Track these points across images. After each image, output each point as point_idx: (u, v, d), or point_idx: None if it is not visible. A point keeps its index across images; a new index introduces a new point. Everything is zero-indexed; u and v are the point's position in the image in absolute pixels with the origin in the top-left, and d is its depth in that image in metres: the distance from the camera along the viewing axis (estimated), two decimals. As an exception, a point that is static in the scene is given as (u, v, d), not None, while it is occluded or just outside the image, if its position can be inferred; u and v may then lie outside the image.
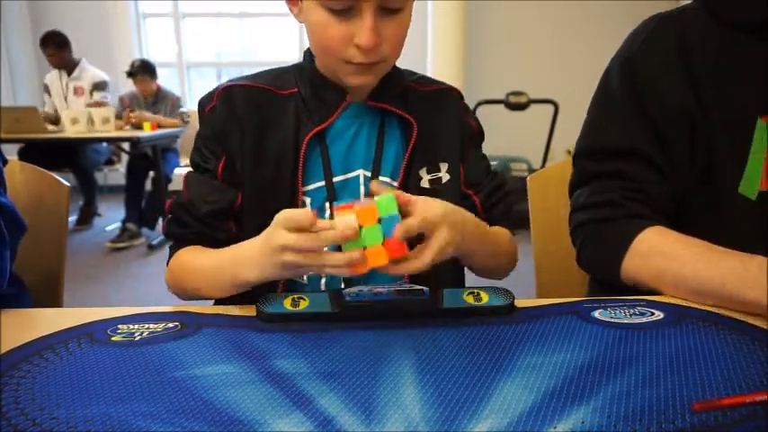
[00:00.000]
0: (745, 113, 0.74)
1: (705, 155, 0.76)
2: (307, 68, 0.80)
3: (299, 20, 0.75)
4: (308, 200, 0.78)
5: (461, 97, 0.89)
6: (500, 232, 0.85)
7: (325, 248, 0.58)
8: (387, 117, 0.82)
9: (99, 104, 3.77)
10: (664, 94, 0.75)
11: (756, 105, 0.74)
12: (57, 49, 3.84)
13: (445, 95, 0.87)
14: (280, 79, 0.81)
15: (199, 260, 0.76)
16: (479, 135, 0.89)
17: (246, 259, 0.66)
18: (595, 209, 0.79)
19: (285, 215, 0.59)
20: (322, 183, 0.78)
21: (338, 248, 0.59)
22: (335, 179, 0.79)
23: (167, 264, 0.80)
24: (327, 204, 0.78)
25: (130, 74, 3.86)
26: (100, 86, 4.02)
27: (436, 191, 0.81)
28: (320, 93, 0.79)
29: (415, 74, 0.88)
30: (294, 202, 0.77)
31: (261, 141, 0.77)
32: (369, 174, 0.80)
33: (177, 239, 0.80)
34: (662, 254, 0.71)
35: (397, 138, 0.82)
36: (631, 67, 0.77)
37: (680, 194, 0.78)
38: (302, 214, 0.58)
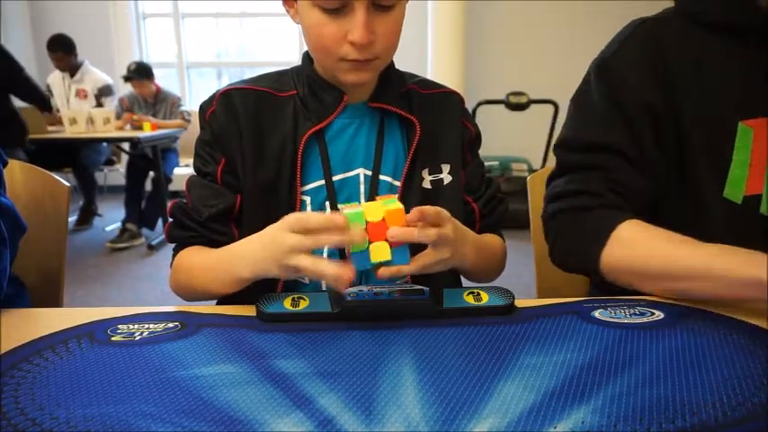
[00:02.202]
0: (723, 117, 0.73)
1: (678, 159, 0.75)
2: (305, 70, 0.81)
3: (296, 21, 0.76)
4: (307, 199, 0.78)
5: (462, 101, 0.89)
6: (493, 241, 0.87)
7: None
8: (387, 117, 0.82)
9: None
10: (632, 93, 0.75)
11: (736, 109, 0.73)
12: (65, 53, 3.86)
13: (447, 98, 0.87)
14: (279, 82, 0.82)
15: (199, 259, 0.76)
16: (478, 140, 0.90)
17: (243, 256, 0.68)
18: (571, 197, 0.77)
19: (294, 217, 0.61)
20: (321, 182, 0.78)
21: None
22: (335, 178, 0.79)
23: (171, 266, 0.81)
24: (327, 203, 0.78)
25: (127, 78, 3.87)
26: (106, 91, 4.03)
27: (437, 192, 0.82)
28: (318, 93, 0.79)
29: (415, 76, 0.88)
30: (293, 202, 0.77)
31: (260, 143, 0.78)
32: (369, 173, 0.80)
33: (179, 243, 0.81)
34: (646, 240, 0.69)
35: (397, 138, 0.82)
36: (605, 68, 0.78)
37: (655, 194, 0.78)
38: (311, 216, 0.60)
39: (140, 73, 3.86)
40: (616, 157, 0.76)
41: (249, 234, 0.70)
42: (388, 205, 0.60)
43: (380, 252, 0.60)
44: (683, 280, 0.65)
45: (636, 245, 0.69)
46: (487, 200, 0.88)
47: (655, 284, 0.69)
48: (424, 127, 0.81)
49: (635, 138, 0.76)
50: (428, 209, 0.62)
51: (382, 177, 0.80)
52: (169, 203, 0.81)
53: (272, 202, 0.77)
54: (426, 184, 0.81)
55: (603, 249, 0.71)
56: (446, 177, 0.83)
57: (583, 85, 0.82)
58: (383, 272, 0.62)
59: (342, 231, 0.58)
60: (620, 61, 0.77)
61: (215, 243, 0.77)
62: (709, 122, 0.74)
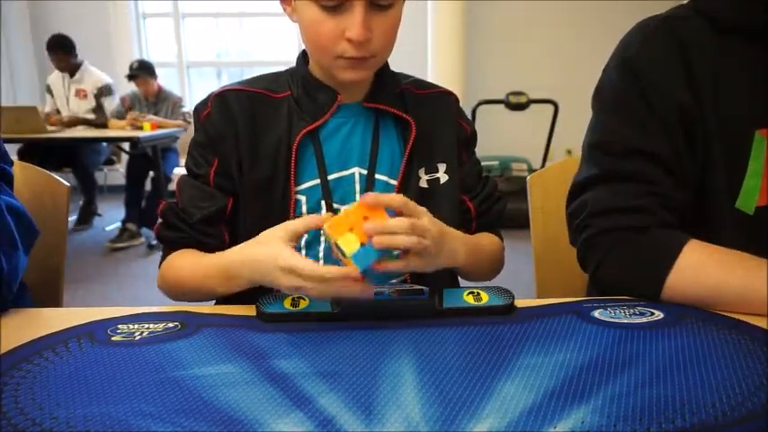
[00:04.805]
0: (740, 125, 0.71)
1: (701, 166, 0.73)
2: (299, 71, 0.81)
3: (293, 19, 0.76)
4: (302, 198, 0.78)
5: (457, 100, 0.89)
6: (488, 240, 0.87)
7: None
8: (382, 117, 0.82)
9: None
10: (664, 95, 0.72)
11: (753, 118, 0.71)
12: (65, 54, 3.85)
13: (442, 98, 0.88)
14: (274, 83, 0.82)
15: (193, 264, 0.76)
16: (473, 139, 0.90)
17: (240, 273, 0.68)
18: (620, 214, 0.71)
19: (289, 265, 0.60)
20: (317, 181, 0.79)
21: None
22: (330, 177, 0.79)
23: (159, 266, 0.81)
24: (323, 203, 0.78)
25: (131, 76, 3.86)
26: (106, 91, 4.03)
27: (434, 191, 0.82)
28: (312, 93, 0.79)
29: (409, 77, 0.88)
30: (288, 201, 0.77)
31: (256, 143, 0.78)
32: (364, 171, 0.80)
33: (170, 244, 0.81)
34: (715, 268, 0.65)
35: (392, 137, 0.83)
36: (631, 69, 0.74)
37: (689, 206, 0.74)
38: (306, 265, 0.59)
39: (144, 69, 3.86)
40: (659, 166, 0.72)
41: (243, 233, 0.71)
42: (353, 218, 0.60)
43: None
44: (760, 305, 0.62)
45: (705, 274, 0.65)
46: (483, 198, 0.88)
47: (728, 309, 0.65)
48: (420, 126, 0.81)
49: (673, 144, 0.72)
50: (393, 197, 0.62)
51: (378, 176, 0.81)
52: (161, 204, 0.81)
53: (266, 201, 0.77)
54: (423, 184, 0.82)
55: (669, 276, 0.67)
56: (442, 177, 0.83)
57: (603, 84, 0.78)
58: (378, 265, 0.61)
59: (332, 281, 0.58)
60: (646, 61, 0.73)
61: (205, 245, 0.78)
62: (726, 129, 0.71)
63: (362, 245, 0.58)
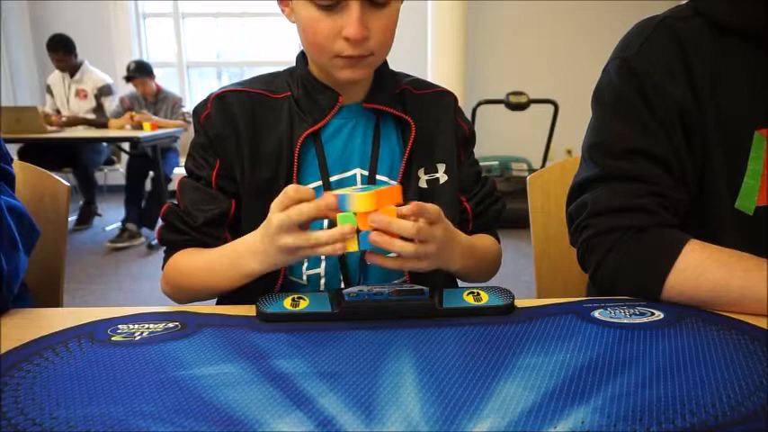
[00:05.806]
0: (740, 126, 0.71)
1: (700, 166, 0.73)
2: (299, 71, 0.81)
3: (291, 20, 0.76)
4: None
5: (456, 100, 0.89)
6: (485, 243, 0.86)
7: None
8: (382, 118, 0.82)
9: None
10: (664, 95, 0.72)
11: (753, 118, 0.71)
12: (65, 53, 3.85)
13: (440, 98, 0.88)
14: (273, 83, 0.82)
15: (197, 260, 0.76)
16: (472, 139, 0.90)
17: (248, 250, 0.69)
18: (625, 215, 0.71)
19: (279, 197, 0.63)
20: (319, 182, 0.79)
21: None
22: (332, 178, 0.79)
23: (162, 268, 0.81)
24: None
25: (129, 78, 3.86)
26: (106, 91, 4.03)
27: (433, 191, 0.82)
28: (313, 95, 0.79)
29: (408, 76, 0.88)
30: None
31: (256, 144, 0.78)
32: (366, 172, 0.80)
33: (171, 246, 0.80)
34: (716, 269, 0.65)
35: (392, 138, 0.83)
36: (631, 69, 0.74)
37: (688, 206, 0.75)
38: (293, 190, 0.62)
39: (141, 71, 3.86)
40: (659, 166, 0.72)
41: (245, 235, 0.71)
42: (381, 187, 0.61)
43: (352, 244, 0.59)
44: (760, 305, 0.62)
45: (705, 274, 0.65)
46: (481, 199, 0.88)
47: (728, 309, 0.65)
48: (419, 127, 0.81)
49: (673, 144, 0.72)
50: (427, 206, 0.62)
51: (379, 177, 0.81)
52: (163, 206, 0.81)
53: (269, 203, 0.77)
54: (422, 184, 0.82)
55: (669, 276, 0.67)
56: (442, 177, 0.83)
57: (602, 85, 0.78)
58: (370, 257, 0.63)
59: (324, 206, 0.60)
60: (646, 61, 0.73)
61: (207, 247, 0.78)
62: (726, 129, 0.72)
63: (359, 231, 0.59)
